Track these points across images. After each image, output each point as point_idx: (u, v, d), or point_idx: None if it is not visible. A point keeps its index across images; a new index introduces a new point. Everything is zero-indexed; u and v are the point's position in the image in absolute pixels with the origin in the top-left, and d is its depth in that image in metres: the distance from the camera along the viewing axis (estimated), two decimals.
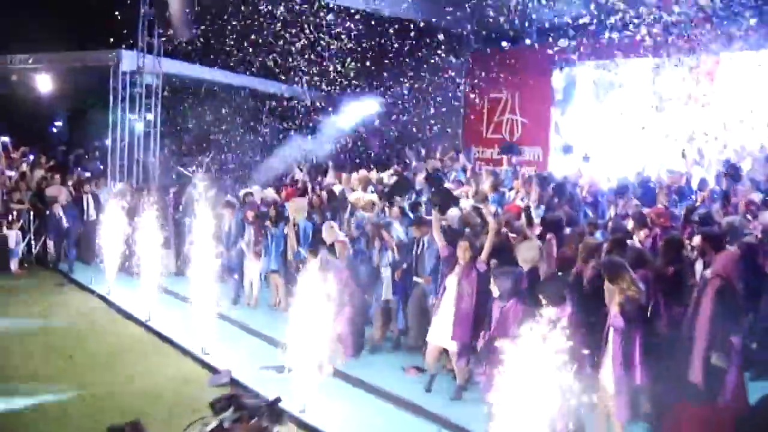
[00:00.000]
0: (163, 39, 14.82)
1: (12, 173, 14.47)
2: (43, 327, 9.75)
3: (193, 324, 8.67)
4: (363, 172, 14.59)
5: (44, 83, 16.51)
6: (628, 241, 7.37)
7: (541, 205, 10.37)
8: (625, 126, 15.69)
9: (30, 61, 16.24)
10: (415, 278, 8.39)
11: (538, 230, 8.32)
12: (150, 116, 18.97)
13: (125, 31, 14.82)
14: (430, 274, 8.08)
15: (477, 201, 10.48)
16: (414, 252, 8.41)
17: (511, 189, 12.29)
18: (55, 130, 17.65)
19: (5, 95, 17.78)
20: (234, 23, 15.96)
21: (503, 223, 8.53)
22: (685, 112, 14.65)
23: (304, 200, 11.23)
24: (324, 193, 11.95)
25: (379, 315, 8.72)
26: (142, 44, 14.80)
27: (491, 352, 5.60)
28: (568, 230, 8.33)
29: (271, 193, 12.73)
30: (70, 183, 14.12)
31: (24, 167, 14.72)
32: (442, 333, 6.96)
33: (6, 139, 17.34)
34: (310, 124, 19.93)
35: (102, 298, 11.36)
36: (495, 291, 6.32)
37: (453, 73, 19.00)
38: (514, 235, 8.28)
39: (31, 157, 15.78)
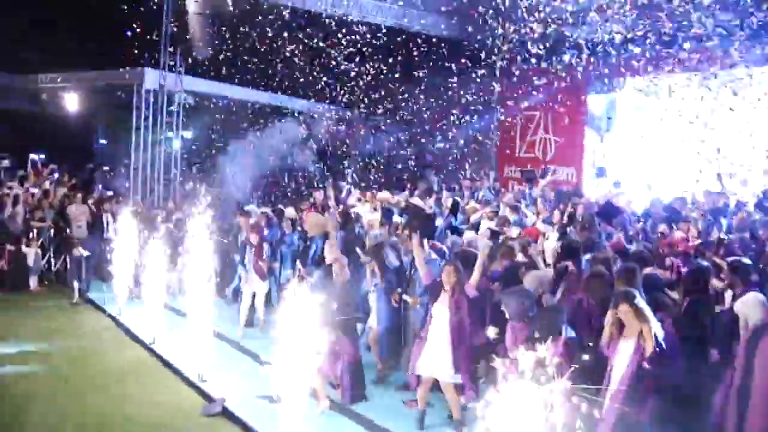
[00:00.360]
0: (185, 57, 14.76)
1: (36, 191, 14.51)
2: (47, 346, 9.61)
3: (197, 348, 8.39)
4: (384, 193, 14.26)
5: (72, 102, 16.64)
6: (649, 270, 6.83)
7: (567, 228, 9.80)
8: (666, 146, 15.08)
9: (59, 80, 16.40)
10: (404, 296, 7.98)
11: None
12: (188, 134, 19.11)
13: (149, 50, 14.85)
14: (420, 296, 7.66)
15: (498, 225, 10.03)
16: (408, 273, 8.03)
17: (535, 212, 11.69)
18: (86, 147, 17.75)
19: (36, 113, 18.01)
20: (260, 40, 15.89)
21: (521, 249, 8.09)
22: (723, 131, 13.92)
23: (321, 216, 10.86)
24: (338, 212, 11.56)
25: (374, 343, 8.29)
26: (164, 62, 14.75)
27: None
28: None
29: (291, 211, 12.44)
30: (90, 201, 14.06)
31: (47, 185, 14.73)
32: (436, 364, 6.49)
33: (36, 156, 17.56)
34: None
35: (112, 318, 11.19)
36: (506, 312, 5.92)
37: (485, 91, 18.63)
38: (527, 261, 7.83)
39: (56, 175, 15.83)
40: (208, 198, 8.74)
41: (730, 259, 6.71)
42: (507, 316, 5.85)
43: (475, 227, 10.77)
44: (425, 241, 8.11)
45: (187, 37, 14.16)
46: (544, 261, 8.06)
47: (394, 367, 8.19)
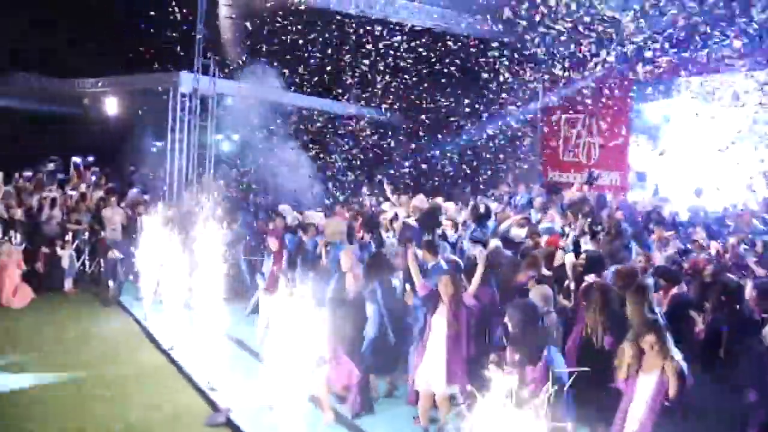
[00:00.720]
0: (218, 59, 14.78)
1: (73, 193, 14.72)
2: (68, 349, 9.65)
3: (215, 356, 8.28)
4: (419, 198, 13.96)
5: (112, 105, 16.89)
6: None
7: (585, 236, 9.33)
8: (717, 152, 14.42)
9: (99, 85, 16.66)
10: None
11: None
12: (236, 137, 19.17)
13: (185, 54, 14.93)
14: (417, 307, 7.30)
15: (528, 234, 9.63)
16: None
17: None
18: (127, 151, 17.99)
19: (79, 117, 18.37)
20: (301, 44, 15.83)
21: (542, 259, 7.70)
22: None
23: (342, 222, 10.61)
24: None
25: None
26: (197, 66, 14.79)
27: None
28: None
29: (316, 216, 12.23)
30: (122, 204, 14.18)
31: (83, 188, 14.93)
32: (432, 377, 6.21)
33: (78, 159, 17.89)
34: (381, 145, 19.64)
35: (138, 322, 11.20)
36: (509, 325, 5.56)
37: (529, 94, 18.18)
38: (548, 273, 7.44)
39: (93, 178, 16.05)
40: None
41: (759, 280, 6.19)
42: (510, 328, 5.49)
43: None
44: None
45: (221, 41, 14.14)
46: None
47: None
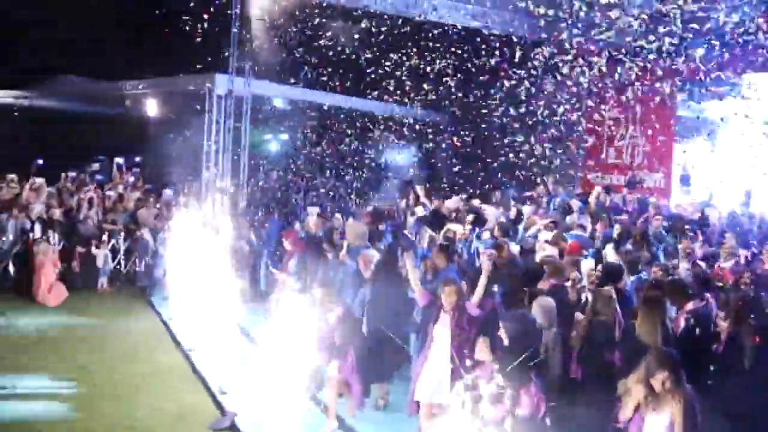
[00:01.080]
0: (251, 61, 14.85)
1: (111, 193, 15.00)
2: (91, 348, 9.74)
3: (234, 358, 8.28)
4: (453, 200, 13.75)
5: (152, 107, 17.19)
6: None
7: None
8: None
9: (140, 87, 16.96)
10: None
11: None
12: (284, 136, 19.28)
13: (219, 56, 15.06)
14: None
15: (552, 240, 9.27)
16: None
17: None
18: (166, 152, 18.31)
19: (122, 117, 18.77)
20: (331, 43, 15.77)
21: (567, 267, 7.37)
22: None
23: (363, 226, 10.46)
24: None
25: None
26: (232, 67, 14.88)
27: None
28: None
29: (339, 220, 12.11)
30: (158, 205, 14.38)
31: (120, 188, 15.19)
32: (434, 388, 5.99)
33: (120, 160, 18.26)
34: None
35: (163, 321, 11.30)
36: (504, 338, 5.29)
37: (571, 93, 17.68)
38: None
39: (131, 179, 16.33)
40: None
41: None
42: (504, 341, 5.23)
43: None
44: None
45: (255, 43, 14.20)
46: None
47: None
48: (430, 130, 19.02)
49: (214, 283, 10.08)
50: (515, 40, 16.85)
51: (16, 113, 21.28)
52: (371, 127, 19.07)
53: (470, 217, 10.03)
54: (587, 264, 7.30)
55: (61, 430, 6.91)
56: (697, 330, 5.43)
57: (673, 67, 14.93)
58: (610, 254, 8.60)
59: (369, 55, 16.28)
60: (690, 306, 5.83)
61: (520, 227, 11.25)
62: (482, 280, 6.15)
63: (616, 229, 8.80)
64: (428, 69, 17.27)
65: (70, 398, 7.80)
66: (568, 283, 7.05)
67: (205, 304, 10.19)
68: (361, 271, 7.97)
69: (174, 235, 13.43)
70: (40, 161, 20.57)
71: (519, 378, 4.39)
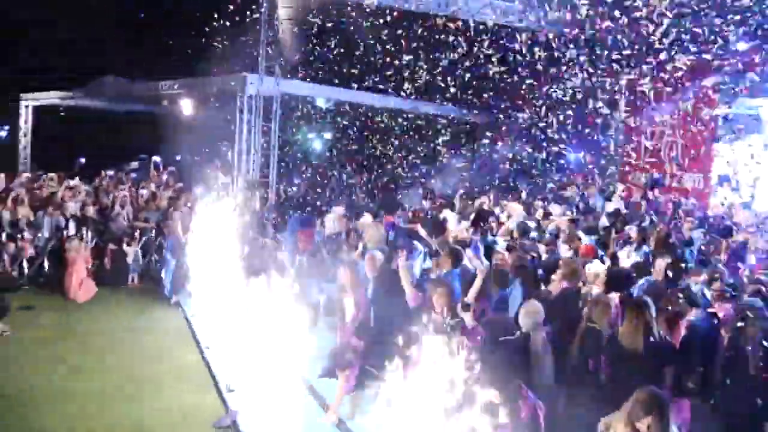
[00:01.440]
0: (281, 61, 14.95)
1: (144, 192, 15.30)
2: (113, 346, 9.92)
3: (250, 357, 8.29)
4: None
5: (187, 106, 17.47)
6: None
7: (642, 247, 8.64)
8: None
9: (176, 87, 17.25)
10: None
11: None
12: (328, 135, 19.40)
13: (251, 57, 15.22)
14: None
15: (565, 240, 9.05)
16: None
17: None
18: (201, 151, 18.62)
19: (159, 116, 19.14)
20: (371, 43, 15.77)
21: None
22: None
23: (381, 228, 10.39)
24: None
25: None
26: (261, 68, 15.00)
27: None
28: None
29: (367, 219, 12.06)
30: (188, 204, 14.59)
31: (153, 187, 15.47)
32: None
33: (158, 159, 18.62)
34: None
35: (186, 319, 11.44)
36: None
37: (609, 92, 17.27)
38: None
39: (164, 178, 16.62)
40: None
41: None
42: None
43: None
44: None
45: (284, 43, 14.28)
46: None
47: None
48: (464, 129, 18.90)
49: (234, 281, 10.23)
50: (556, 38, 16.59)
51: (62, 113, 21.99)
52: (410, 126, 19.06)
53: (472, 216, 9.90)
54: (595, 267, 7.03)
55: (61, 430, 7.04)
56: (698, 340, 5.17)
57: (714, 63, 14.50)
58: (625, 258, 8.36)
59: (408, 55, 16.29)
60: (692, 315, 5.59)
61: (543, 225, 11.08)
62: (476, 284, 6.00)
63: (634, 232, 8.50)
64: (461, 67, 17.17)
65: (85, 395, 7.94)
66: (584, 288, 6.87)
67: (225, 301, 10.34)
68: (367, 271, 7.91)
69: (198, 233, 13.68)
70: (83, 160, 21.24)
71: (507, 389, 4.25)
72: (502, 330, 4.99)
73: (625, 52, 15.52)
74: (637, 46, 15.43)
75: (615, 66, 16.09)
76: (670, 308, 5.78)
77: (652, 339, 4.87)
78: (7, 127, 27.00)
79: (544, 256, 8.17)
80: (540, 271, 7.25)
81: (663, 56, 14.70)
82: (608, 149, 17.82)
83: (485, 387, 4.13)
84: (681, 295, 6.02)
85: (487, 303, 6.42)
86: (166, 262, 12.91)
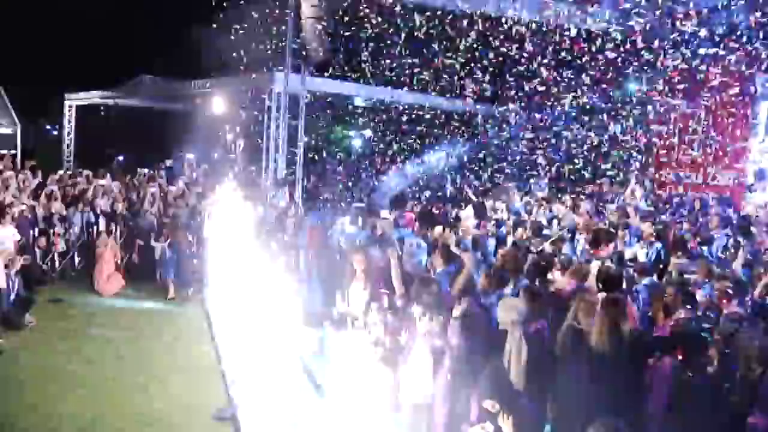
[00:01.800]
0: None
1: (173, 188, 15.57)
2: (131, 339, 10.13)
3: (257, 351, 8.41)
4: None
5: (218, 105, 17.74)
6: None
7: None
8: None
9: (207, 86, 17.53)
10: None
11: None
12: (368, 132, 19.53)
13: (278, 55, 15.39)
14: None
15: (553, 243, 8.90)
16: None
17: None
18: (233, 149, 18.94)
19: (192, 114, 19.49)
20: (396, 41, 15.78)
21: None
22: None
23: (392, 224, 10.40)
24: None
25: None
26: (288, 65, 15.14)
27: None
28: None
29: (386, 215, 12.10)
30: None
31: (181, 184, 15.74)
32: (420, 389, 5.82)
33: (191, 156, 18.96)
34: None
35: (207, 314, 11.63)
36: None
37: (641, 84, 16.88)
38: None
39: (194, 175, 16.89)
40: None
41: None
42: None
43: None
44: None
45: (312, 43, 14.35)
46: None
47: None
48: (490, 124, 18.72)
49: (254, 276, 10.35)
50: (590, 34, 16.32)
51: (102, 112, 22.62)
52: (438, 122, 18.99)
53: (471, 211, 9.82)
54: (595, 266, 6.89)
55: (68, 419, 7.20)
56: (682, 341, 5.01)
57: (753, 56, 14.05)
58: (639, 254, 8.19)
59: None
60: (682, 314, 5.42)
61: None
62: (460, 279, 5.94)
63: (645, 229, 8.30)
64: (489, 63, 17.05)
65: (97, 387, 8.12)
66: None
67: (245, 296, 10.47)
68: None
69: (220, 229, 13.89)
70: (121, 158, 21.80)
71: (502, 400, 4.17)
72: (482, 326, 4.93)
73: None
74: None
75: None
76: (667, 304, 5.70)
77: (622, 338, 4.73)
78: (57, 126, 27.93)
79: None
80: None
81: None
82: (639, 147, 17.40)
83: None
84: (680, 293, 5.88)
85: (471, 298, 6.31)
86: (173, 256, 13.14)
